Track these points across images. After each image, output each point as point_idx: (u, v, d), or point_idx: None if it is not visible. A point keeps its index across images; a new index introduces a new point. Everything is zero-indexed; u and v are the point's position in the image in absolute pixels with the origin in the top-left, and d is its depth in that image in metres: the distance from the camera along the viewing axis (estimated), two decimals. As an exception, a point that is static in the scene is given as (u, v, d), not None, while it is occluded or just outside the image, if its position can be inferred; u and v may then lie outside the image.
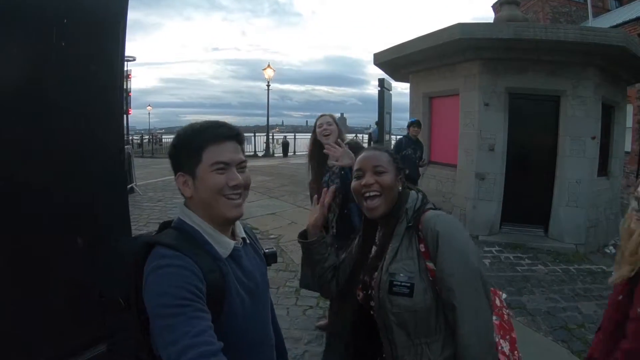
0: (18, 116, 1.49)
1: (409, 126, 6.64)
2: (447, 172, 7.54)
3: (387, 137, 14.17)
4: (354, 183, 1.56)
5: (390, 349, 1.44)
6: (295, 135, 25.13)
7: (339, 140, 2.91)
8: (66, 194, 1.64)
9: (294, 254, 5.12)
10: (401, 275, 1.39)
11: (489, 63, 6.65)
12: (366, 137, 21.57)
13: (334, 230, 3.00)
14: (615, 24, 13.52)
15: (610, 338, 1.72)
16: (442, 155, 7.79)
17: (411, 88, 9.11)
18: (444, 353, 1.34)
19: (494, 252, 5.96)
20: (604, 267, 5.41)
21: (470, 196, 6.85)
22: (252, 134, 22.87)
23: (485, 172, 6.73)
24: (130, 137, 26.89)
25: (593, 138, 6.46)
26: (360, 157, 1.59)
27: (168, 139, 30.19)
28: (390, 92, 13.81)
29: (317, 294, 3.93)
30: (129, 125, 25.87)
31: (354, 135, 24.13)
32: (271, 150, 22.53)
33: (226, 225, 1.24)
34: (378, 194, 1.49)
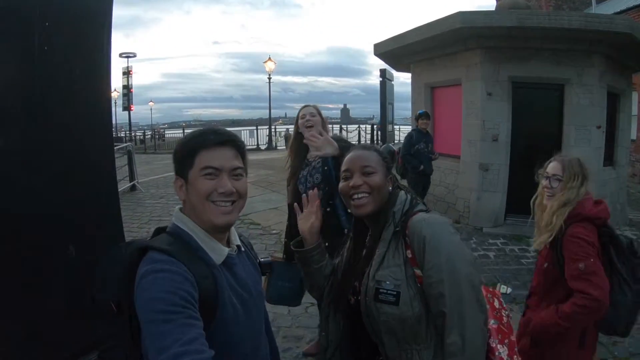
0: (5, 123, 1.45)
1: (417, 118, 6.46)
2: (450, 163, 7.45)
3: (389, 127, 14.14)
4: (341, 184, 1.51)
5: (384, 351, 1.42)
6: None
7: (323, 130, 2.78)
8: (53, 201, 1.61)
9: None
10: (387, 283, 1.34)
11: (491, 52, 6.54)
12: (369, 127, 21.50)
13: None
14: (619, 10, 13.28)
15: (542, 301, 2.11)
16: (445, 146, 7.70)
17: (413, 78, 9.01)
18: None
19: (499, 244, 5.89)
20: (610, 260, 5.29)
21: (474, 187, 6.78)
22: (255, 127, 22.83)
23: (489, 163, 6.65)
24: (133, 133, 27.05)
25: (598, 127, 6.37)
26: (348, 157, 1.54)
27: (171, 134, 30.30)
28: (392, 82, 13.74)
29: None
30: (132, 121, 25.99)
31: (356, 126, 24.06)
32: (274, 143, 22.50)
33: (217, 232, 1.21)
34: (367, 195, 1.44)
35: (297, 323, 3.71)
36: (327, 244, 2.73)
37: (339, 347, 1.54)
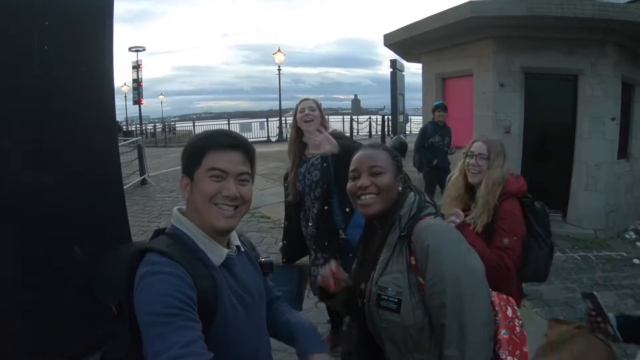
0: (5, 123, 1.44)
1: (433, 110, 6.25)
2: (461, 155, 7.32)
3: (400, 118, 14.06)
4: (349, 184, 1.47)
5: (388, 357, 1.39)
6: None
7: (320, 127, 2.69)
8: (59, 201, 1.60)
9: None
10: (389, 289, 1.31)
11: (503, 42, 6.40)
12: (379, 118, 21.39)
13: (313, 229, 2.82)
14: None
15: None
16: (456, 138, 7.56)
17: (423, 69, 8.88)
18: None
19: (511, 238, 5.79)
20: (624, 254, 5.24)
21: (486, 180, 6.64)
22: (265, 119, 22.80)
23: (502, 156, 6.50)
24: (143, 127, 27.21)
25: (613, 119, 6.22)
26: (356, 156, 1.50)
27: (182, 126, 30.41)
28: (403, 73, 13.62)
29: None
30: (142, 114, 26.15)
31: (367, 117, 23.93)
32: (284, 135, 22.45)
33: (217, 235, 1.20)
34: (374, 195, 1.40)
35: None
36: (326, 243, 2.73)
37: (354, 351, 1.51)
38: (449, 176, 2.54)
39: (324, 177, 2.72)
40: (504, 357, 1.23)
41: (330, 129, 2.84)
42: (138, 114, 25.70)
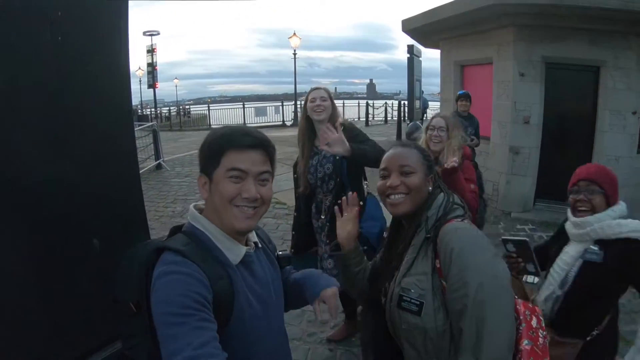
0: (21, 117, 1.44)
1: (456, 100, 6.03)
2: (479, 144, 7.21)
3: (417, 103, 13.89)
4: (379, 183, 1.46)
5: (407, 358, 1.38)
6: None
7: (338, 123, 2.63)
8: (77, 195, 1.60)
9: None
10: (412, 291, 1.30)
11: (525, 30, 6.24)
12: (395, 103, 21.14)
13: (326, 222, 2.80)
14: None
15: None
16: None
17: (442, 55, 8.74)
18: None
19: (527, 230, 5.74)
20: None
21: (504, 171, 6.60)
22: (280, 103, 22.71)
23: (520, 146, 6.44)
24: (158, 111, 27.38)
25: (634, 113, 6.05)
26: (386, 155, 1.49)
27: (196, 110, 30.51)
28: (420, 58, 13.40)
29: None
30: (157, 98, 26.28)
31: (383, 102, 23.70)
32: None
33: (236, 234, 1.19)
34: (404, 195, 1.39)
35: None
36: (328, 242, 2.71)
37: (369, 345, 1.54)
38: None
39: (337, 170, 2.70)
40: None
41: (341, 119, 2.82)
42: (153, 98, 25.85)
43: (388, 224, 2.77)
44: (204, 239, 1.16)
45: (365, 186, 2.88)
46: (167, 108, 32.44)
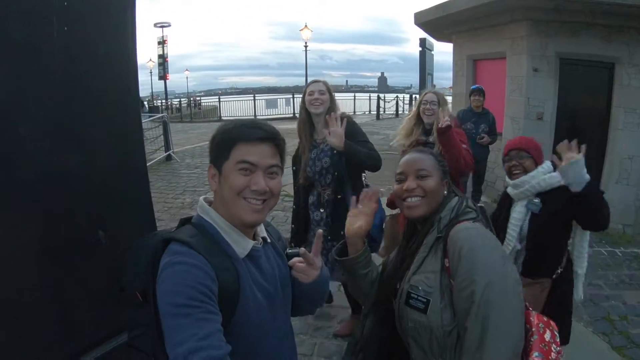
0: (27, 109, 1.44)
1: (469, 95, 5.91)
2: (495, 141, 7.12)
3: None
4: (396, 187, 1.49)
5: (413, 358, 1.38)
6: (334, 96, 24.58)
7: (343, 117, 2.71)
8: (82, 186, 1.61)
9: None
10: (419, 288, 1.30)
11: (539, 25, 6.11)
12: (407, 96, 20.99)
13: (328, 219, 2.83)
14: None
15: None
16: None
17: (454, 49, 8.62)
18: None
19: (538, 228, 5.66)
20: (652, 253, 5.05)
21: (516, 167, 6.47)
22: (291, 95, 22.69)
23: (532, 142, 6.30)
24: (169, 102, 27.52)
25: None
26: (403, 159, 1.52)
27: (207, 102, 30.61)
28: (432, 52, 13.29)
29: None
30: (167, 89, 26.44)
31: (394, 95, 23.56)
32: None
33: (244, 227, 1.19)
34: (420, 198, 1.41)
35: (332, 295, 3.69)
36: (342, 232, 2.73)
37: (368, 346, 1.51)
38: (406, 117, 3.54)
39: (334, 164, 2.73)
40: None
41: (339, 112, 2.87)
42: (163, 89, 26.03)
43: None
44: (211, 231, 1.16)
45: (364, 178, 2.96)
46: (178, 99, 32.55)
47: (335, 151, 2.69)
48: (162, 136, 10.24)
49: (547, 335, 1.23)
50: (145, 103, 23.65)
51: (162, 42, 24.74)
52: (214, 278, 1.04)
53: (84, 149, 1.59)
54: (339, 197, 2.76)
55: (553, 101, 6.21)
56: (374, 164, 2.76)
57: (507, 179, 2.37)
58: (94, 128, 1.64)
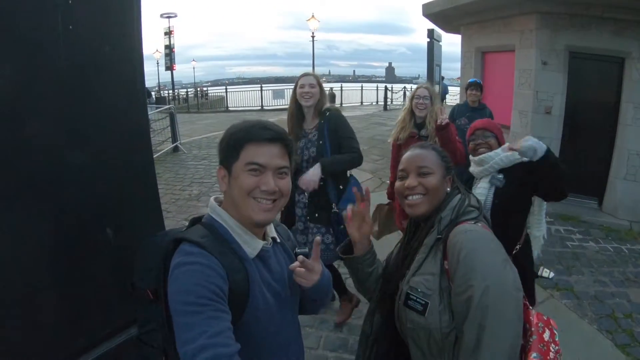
0: (34, 106, 1.45)
1: (466, 89, 5.58)
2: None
3: (436, 88, 13.69)
4: (397, 184, 1.48)
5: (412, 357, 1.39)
6: (342, 86, 24.43)
7: (331, 110, 2.92)
8: (89, 182, 1.63)
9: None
10: (419, 290, 1.30)
11: (548, 18, 6.03)
12: (414, 87, 20.79)
13: (306, 199, 2.98)
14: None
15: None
16: (494, 115, 7.31)
17: (463, 41, 8.56)
18: None
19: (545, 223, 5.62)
20: (658, 250, 5.02)
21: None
22: (298, 86, 22.57)
23: (540, 137, 6.20)
24: (176, 92, 27.50)
25: None
26: (405, 156, 1.50)
27: (214, 92, 30.54)
28: (440, 43, 13.14)
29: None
30: (174, 79, 26.40)
31: (402, 86, 23.37)
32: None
33: (254, 227, 1.21)
34: (421, 195, 1.40)
35: (335, 294, 3.72)
36: (316, 215, 2.94)
37: (380, 340, 1.52)
38: (403, 107, 3.78)
39: (320, 154, 2.85)
40: None
41: (328, 104, 2.98)
42: (170, 80, 26.00)
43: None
44: (222, 232, 1.18)
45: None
46: (185, 90, 32.54)
47: (321, 142, 2.84)
48: (169, 127, 10.25)
49: (546, 335, 1.23)
50: (153, 94, 23.63)
51: (168, 33, 24.68)
52: (225, 278, 1.06)
53: (90, 146, 1.60)
54: (320, 183, 2.86)
55: (562, 95, 6.15)
56: (355, 166, 2.97)
57: (471, 157, 2.57)
58: (100, 126, 1.65)
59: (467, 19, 7.86)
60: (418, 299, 1.29)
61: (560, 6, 5.85)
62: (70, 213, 1.55)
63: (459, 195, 1.42)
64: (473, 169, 2.51)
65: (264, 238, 1.26)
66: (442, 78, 13.86)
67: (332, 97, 21.48)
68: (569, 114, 6.20)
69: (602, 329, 3.41)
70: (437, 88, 13.73)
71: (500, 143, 2.51)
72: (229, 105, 24.00)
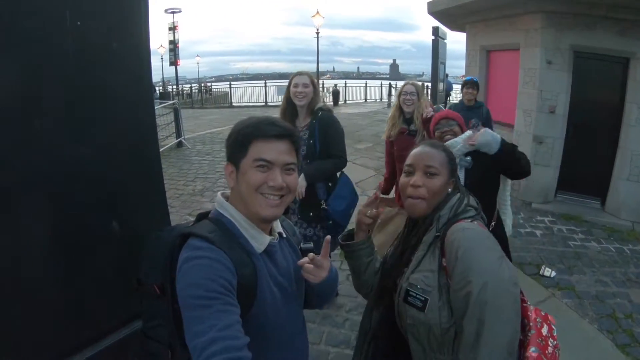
0: (40, 105, 1.46)
1: (461, 88, 5.52)
2: (502, 132, 6.99)
3: (440, 86, 13.66)
4: (402, 179, 1.48)
5: (412, 353, 1.40)
6: (346, 83, 24.37)
7: (324, 110, 2.97)
8: (96, 177, 1.64)
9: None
10: (418, 287, 1.32)
11: (553, 17, 6.01)
12: (419, 84, 20.71)
13: (295, 201, 2.98)
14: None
15: (391, 180, 3.91)
16: (498, 113, 7.27)
17: (468, 39, 8.54)
18: None
19: (547, 222, 5.65)
20: (659, 252, 5.02)
21: (527, 160, 6.42)
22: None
23: (544, 136, 6.28)
24: (180, 88, 27.49)
25: None
26: (414, 151, 1.50)
27: (218, 87, 30.51)
28: (445, 40, 13.09)
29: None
30: (178, 75, 26.43)
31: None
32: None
33: (262, 223, 1.22)
34: (423, 200, 1.41)
35: (338, 291, 3.73)
36: (311, 214, 2.99)
37: (379, 336, 1.54)
38: (392, 106, 3.82)
39: (310, 153, 2.89)
40: None
41: (321, 104, 3.04)
42: (174, 75, 26.03)
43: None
44: (230, 227, 1.19)
45: None
46: (189, 85, 32.49)
47: (312, 141, 2.88)
48: (173, 123, 10.27)
49: (545, 330, 1.25)
50: (157, 89, 23.65)
51: (172, 28, 24.72)
52: (234, 272, 1.07)
53: (97, 141, 1.62)
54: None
55: (566, 95, 6.14)
56: (338, 171, 3.09)
57: None
58: (108, 121, 1.66)
59: (472, 17, 7.84)
60: (418, 296, 1.31)
61: (565, 5, 5.83)
62: (76, 206, 1.57)
63: (457, 195, 1.44)
64: None
65: (270, 233, 1.27)
66: (447, 75, 13.81)
67: (336, 94, 21.47)
68: (573, 114, 6.19)
69: (602, 328, 3.42)
70: (441, 86, 13.74)
71: (462, 130, 2.76)
72: (232, 101, 23.98)
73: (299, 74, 2.98)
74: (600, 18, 5.73)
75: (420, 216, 1.43)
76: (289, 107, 3.00)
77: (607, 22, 5.72)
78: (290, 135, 1.20)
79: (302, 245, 1.41)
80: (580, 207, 6.08)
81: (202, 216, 1.26)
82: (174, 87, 27.17)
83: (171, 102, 12.11)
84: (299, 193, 2.80)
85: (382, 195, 3.92)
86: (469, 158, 2.58)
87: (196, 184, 7.13)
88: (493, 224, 2.67)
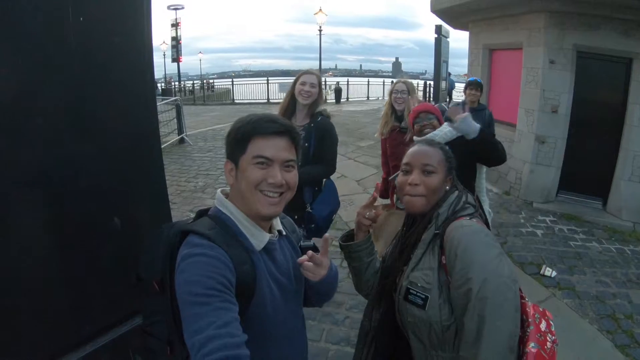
0: (43, 101, 1.47)
1: (464, 88, 5.39)
2: (504, 131, 7.00)
3: (443, 84, 13.64)
4: (400, 177, 1.49)
5: (413, 351, 1.41)
6: (348, 80, 24.31)
7: (323, 114, 2.93)
8: (101, 174, 1.65)
9: (342, 210, 4.89)
10: (418, 285, 1.33)
11: (556, 16, 5.99)
12: (421, 83, 20.70)
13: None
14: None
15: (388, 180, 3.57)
16: (500, 112, 7.24)
17: (470, 38, 8.52)
18: None
19: (548, 222, 5.64)
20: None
21: (528, 160, 6.44)
22: (306, 79, 22.53)
23: (546, 135, 6.26)
24: (182, 84, 27.48)
25: None
26: (411, 150, 1.51)
27: (220, 84, 30.50)
28: (448, 39, 13.05)
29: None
30: (181, 71, 26.42)
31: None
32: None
33: (261, 220, 1.22)
34: (421, 197, 1.41)
35: (338, 289, 3.75)
36: (296, 217, 2.88)
37: (380, 335, 1.54)
38: (385, 106, 3.80)
39: (305, 156, 2.86)
40: None
41: (322, 108, 3.00)
42: (177, 72, 26.03)
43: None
44: (229, 224, 1.18)
45: None
46: (191, 82, 32.51)
47: (307, 144, 2.84)
48: (175, 119, 10.28)
49: (543, 325, 1.27)
50: (159, 85, 23.65)
51: (175, 25, 24.68)
52: (232, 270, 1.06)
53: (99, 137, 1.62)
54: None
55: (569, 94, 6.12)
56: (326, 177, 3.07)
57: (416, 138, 2.82)
58: (110, 117, 1.67)
59: (475, 15, 7.80)
60: (418, 293, 1.32)
61: (569, 5, 5.80)
62: (78, 202, 1.57)
63: (456, 192, 1.45)
64: None
65: (270, 231, 1.26)
66: (449, 74, 13.81)
67: (339, 91, 21.43)
68: (575, 114, 6.17)
69: (602, 329, 3.42)
70: (443, 84, 13.72)
71: (440, 123, 2.87)
72: (235, 98, 23.99)
73: (308, 72, 2.94)
74: (605, 18, 5.70)
75: (419, 213, 1.43)
76: (291, 103, 2.98)
77: (611, 23, 5.69)
78: (290, 132, 1.20)
79: (302, 243, 1.41)
80: (581, 207, 6.07)
81: (202, 213, 1.26)
82: (177, 83, 27.21)
83: (173, 98, 12.11)
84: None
85: (380, 200, 3.89)
86: (447, 147, 2.58)
87: (198, 181, 7.14)
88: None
